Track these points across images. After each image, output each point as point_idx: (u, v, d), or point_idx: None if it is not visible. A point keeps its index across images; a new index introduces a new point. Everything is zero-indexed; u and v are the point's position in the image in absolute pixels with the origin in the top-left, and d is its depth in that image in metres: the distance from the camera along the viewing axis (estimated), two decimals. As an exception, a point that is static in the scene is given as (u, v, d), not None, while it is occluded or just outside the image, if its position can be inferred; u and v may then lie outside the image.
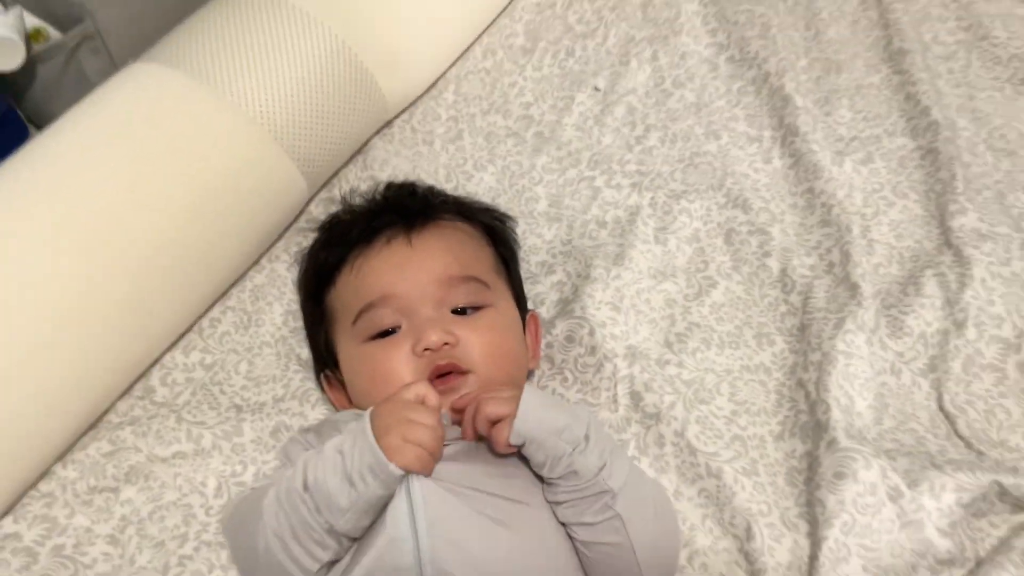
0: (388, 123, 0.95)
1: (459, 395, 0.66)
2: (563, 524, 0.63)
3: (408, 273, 0.69)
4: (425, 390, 0.62)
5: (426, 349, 0.66)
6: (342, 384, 0.73)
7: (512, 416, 0.61)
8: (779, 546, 0.68)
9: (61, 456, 0.74)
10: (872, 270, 0.82)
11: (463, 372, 0.67)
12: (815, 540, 0.67)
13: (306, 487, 0.59)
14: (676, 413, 0.75)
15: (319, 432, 0.69)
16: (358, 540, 0.60)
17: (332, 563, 0.60)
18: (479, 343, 0.67)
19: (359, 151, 0.93)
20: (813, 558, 0.67)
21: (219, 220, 0.82)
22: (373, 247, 0.71)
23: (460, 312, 0.69)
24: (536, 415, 0.61)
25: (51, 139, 0.80)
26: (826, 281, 0.82)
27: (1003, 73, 0.95)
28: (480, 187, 0.89)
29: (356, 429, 0.60)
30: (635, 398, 0.76)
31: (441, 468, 0.61)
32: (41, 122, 1.03)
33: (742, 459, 0.73)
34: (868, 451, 0.69)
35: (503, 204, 0.85)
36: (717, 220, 0.87)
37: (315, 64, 0.87)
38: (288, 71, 0.85)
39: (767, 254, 0.84)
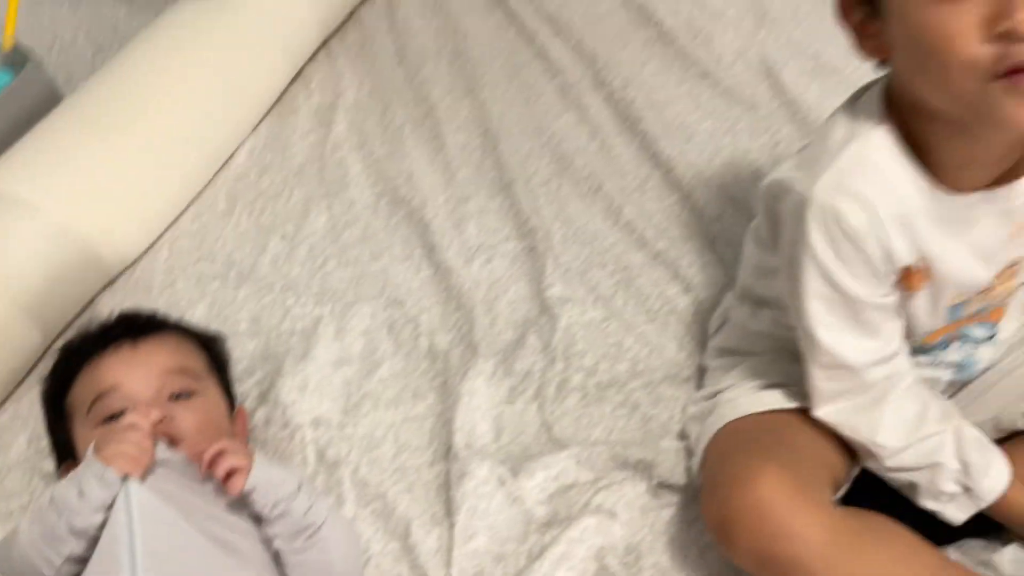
0: (112, 280, 1.18)
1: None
2: (277, 550, 0.83)
3: (132, 367, 0.90)
4: (135, 416, 0.83)
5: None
6: None
7: (248, 468, 0.82)
8: (429, 537, 0.92)
9: None
10: (492, 335, 1.11)
11: (177, 443, 0.87)
12: (451, 526, 0.92)
13: (51, 501, 0.78)
14: (352, 459, 0.99)
15: None
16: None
17: (81, 560, 0.78)
18: (189, 419, 0.89)
19: (88, 304, 1.15)
20: (451, 540, 0.91)
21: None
22: (105, 352, 0.92)
23: (176, 398, 0.90)
24: (264, 469, 0.82)
25: None
26: (459, 348, 1.10)
27: (581, 189, 1.31)
28: (193, 318, 1.12)
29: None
30: (320, 454, 1.00)
31: (160, 485, 0.80)
32: None
33: (402, 483, 0.97)
34: (481, 456, 0.96)
35: (212, 329, 1.08)
36: (381, 318, 1.14)
37: (42, 242, 1.09)
38: (18, 248, 1.07)
39: (418, 336, 1.12)
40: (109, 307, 1.14)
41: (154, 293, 1.17)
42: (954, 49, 0.67)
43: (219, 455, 0.82)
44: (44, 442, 1.00)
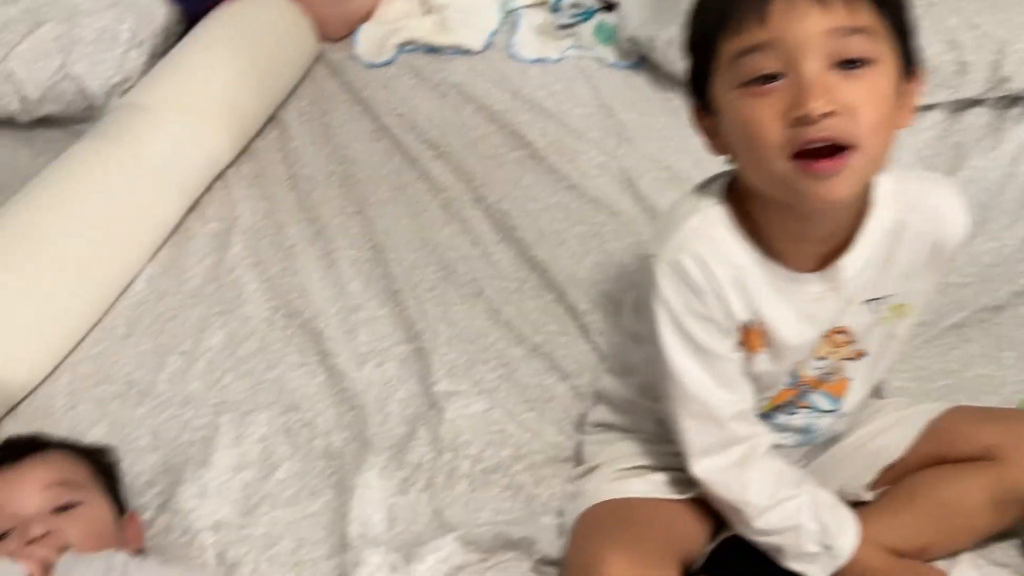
0: (14, 405, 1.21)
1: None
2: None
3: (14, 486, 0.96)
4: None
5: (32, 541, 0.90)
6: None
7: None
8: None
9: None
10: (384, 432, 1.19)
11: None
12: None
13: None
14: (250, 559, 1.04)
15: None
16: None
17: None
18: (75, 529, 0.93)
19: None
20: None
21: None
22: None
23: (60, 510, 0.94)
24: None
25: None
26: (353, 446, 1.17)
27: (464, 292, 1.41)
28: (94, 438, 1.16)
29: None
30: (221, 556, 1.04)
31: None
32: None
33: (302, 576, 1.03)
34: (374, 545, 1.02)
35: (108, 445, 1.12)
36: (278, 423, 1.21)
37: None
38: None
39: (314, 437, 1.19)
40: (11, 430, 1.17)
41: (56, 417, 1.21)
42: (762, 135, 0.81)
43: None
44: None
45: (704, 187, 0.94)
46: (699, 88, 0.88)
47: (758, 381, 0.95)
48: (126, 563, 0.88)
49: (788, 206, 0.86)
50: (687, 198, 0.95)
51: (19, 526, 0.91)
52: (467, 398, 1.22)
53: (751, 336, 0.92)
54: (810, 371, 0.97)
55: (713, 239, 0.90)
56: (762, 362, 0.94)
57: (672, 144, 1.70)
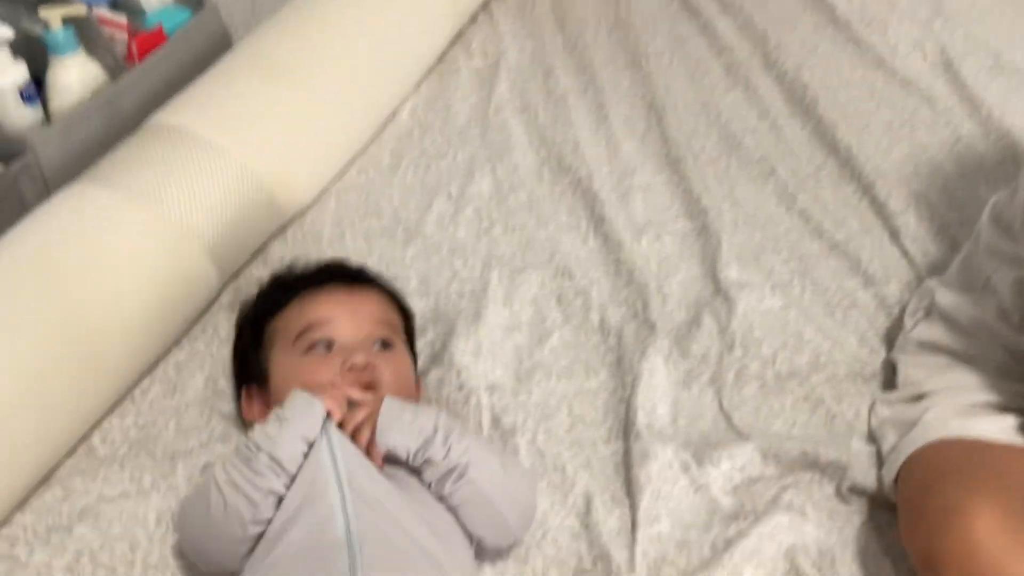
0: (283, 228, 1.17)
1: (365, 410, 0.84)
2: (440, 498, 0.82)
3: (346, 308, 0.92)
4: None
5: (352, 367, 0.86)
6: (261, 400, 0.92)
7: (370, 422, 0.82)
8: (611, 516, 0.90)
9: (19, 505, 0.88)
10: (666, 314, 1.08)
11: (374, 390, 0.87)
12: (634, 507, 0.89)
13: (248, 439, 0.78)
14: (527, 427, 0.97)
15: None
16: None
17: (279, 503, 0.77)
18: (388, 370, 0.89)
19: (259, 250, 1.14)
20: (634, 521, 0.89)
21: (145, 312, 1.00)
22: (321, 289, 0.94)
23: (381, 347, 0.91)
24: (393, 423, 0.81)
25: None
26: (632, 325, 1.07)
27: (752, 171, 1.26)
28: (363, 274, 1.10)
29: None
30: (495, 420, 0.98)
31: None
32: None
33: (580, 457, 0.95)
34: (662, 439, 0.93)
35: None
36: (550, 287, 1.12)
37: (224, 183, 1.08)
38: (202, 188, 1.07)
39: (589, 309, 1.09)
40: (280, 254, 1.14)
41: (323, 244, 1.16)
42: None
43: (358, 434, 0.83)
44: (221, 383, 1.00)
45: None
46: None
47: None
48: (449, 427, 0.82)
49: None
50: None
51: (342, 348, 0.88)
52: (759, 291, 1.10)
53: None
54: None
55: None
56: None
57: (1001, 27, 1.45)
